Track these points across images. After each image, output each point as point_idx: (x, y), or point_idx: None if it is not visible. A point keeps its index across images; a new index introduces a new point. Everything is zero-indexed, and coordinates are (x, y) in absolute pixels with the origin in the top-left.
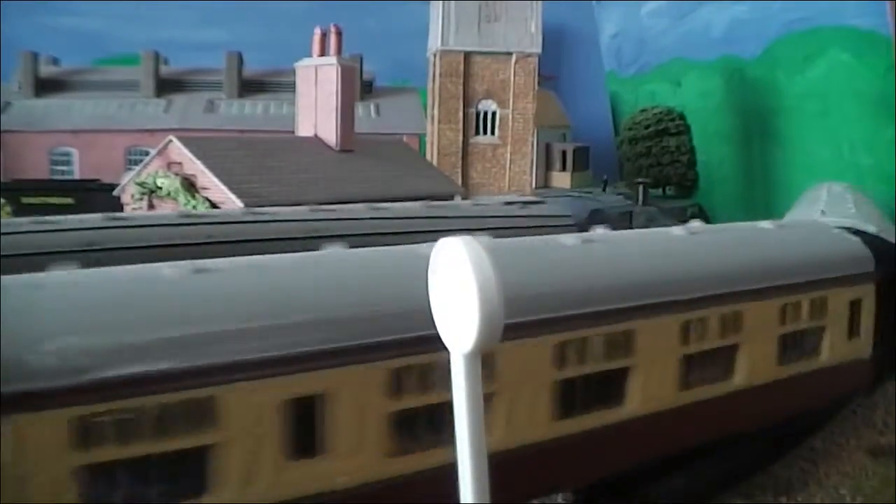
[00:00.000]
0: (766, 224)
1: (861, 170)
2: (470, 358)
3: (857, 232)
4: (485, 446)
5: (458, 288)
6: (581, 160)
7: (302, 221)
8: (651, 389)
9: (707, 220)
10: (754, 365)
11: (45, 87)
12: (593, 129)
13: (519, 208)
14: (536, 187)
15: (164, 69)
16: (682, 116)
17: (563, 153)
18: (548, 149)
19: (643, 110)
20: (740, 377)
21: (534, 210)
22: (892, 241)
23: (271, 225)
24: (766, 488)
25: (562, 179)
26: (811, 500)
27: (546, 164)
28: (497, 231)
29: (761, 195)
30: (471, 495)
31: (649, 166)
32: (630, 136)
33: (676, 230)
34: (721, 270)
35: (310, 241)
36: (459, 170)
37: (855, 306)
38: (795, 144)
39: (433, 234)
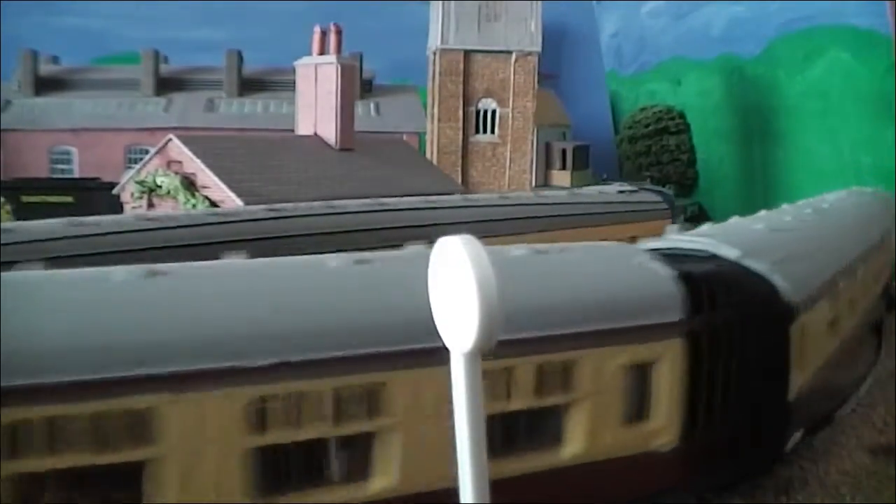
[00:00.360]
0: (540, 248)
1: (861, 169)
2: (470, 358)
3: (685, 258)
4: (485, 447)
5: (457, 287)
6: (581, 159)
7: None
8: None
9: (707, 219)
10: (408, 462)
11: (44, 85)
12: (593, 127)
13: (629, 195)
14: (536, 186)
15: (163, 68)
16: (681, 115)
17: (563, 152)
18: (548, 147)
19: (643, 109)
20: (383, 481)
21: (640, 197)
22: (774, 274)
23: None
24: (766, 488)
25: (562, 178)
26: (811, 499)
27: (546, 163)
28: (619, 214)
29: (761, 194)
30: (471, 495)
31: (649, 165)
32: (630, 135)
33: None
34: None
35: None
36: (459, 168)
37: (641, 374)
38: (796, 143)
39: (577, 218)
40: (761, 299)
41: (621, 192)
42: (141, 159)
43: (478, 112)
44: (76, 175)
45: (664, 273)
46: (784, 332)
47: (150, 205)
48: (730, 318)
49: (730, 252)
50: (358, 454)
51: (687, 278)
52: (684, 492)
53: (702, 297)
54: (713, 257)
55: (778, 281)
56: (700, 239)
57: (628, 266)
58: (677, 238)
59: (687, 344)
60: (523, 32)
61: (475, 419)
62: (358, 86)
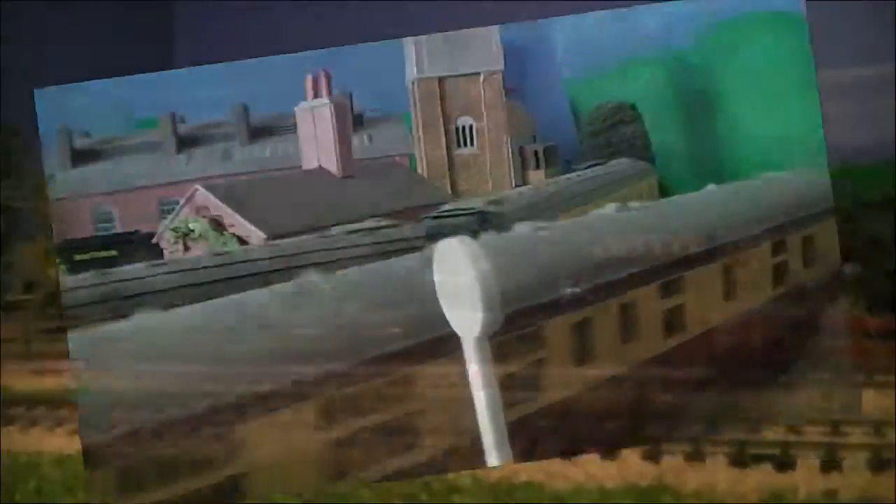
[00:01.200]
0: None
1: (792, 139)
2: (479, 341)
3: None
4: (502, 412)
5: (461, 282)
6: (552, 158)
7: None
8: None
9: (669, 194)
10: None
11: (80, 157)
12: (558, 129)
13: (636, 164)
14: (515, 185)
15: (181, 127)
16: (633, 107)
17: (536, 153)
18: (521, 151)
19: (598, 107)
20: None
21: (642, 165)
22: None
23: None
24: None
25: (537, 176)
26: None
27: (522, 165)
28: (639, 175)
29: (711, 166)
30: (496, 458)
31: (610, 154)
32: (590, 131)
33: None
34: None
35: None
36: (448, 180)
37: None
38: (736, 120)
39: (622, 181)
40: None
41: (633, 164)
42: (172, 210)
43: (457, 129)
44: (118, 230)
45: None
46: None
47: (186, 248)
48: None
49: None
50: None
51: None
52: None
53: None
54: None
55: None
56: None
57: None
58: None
59: None
60: (487, 54)
61: (491, 390)
62: (351, 120)
